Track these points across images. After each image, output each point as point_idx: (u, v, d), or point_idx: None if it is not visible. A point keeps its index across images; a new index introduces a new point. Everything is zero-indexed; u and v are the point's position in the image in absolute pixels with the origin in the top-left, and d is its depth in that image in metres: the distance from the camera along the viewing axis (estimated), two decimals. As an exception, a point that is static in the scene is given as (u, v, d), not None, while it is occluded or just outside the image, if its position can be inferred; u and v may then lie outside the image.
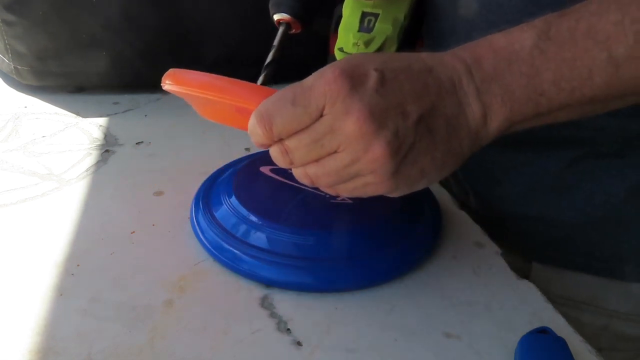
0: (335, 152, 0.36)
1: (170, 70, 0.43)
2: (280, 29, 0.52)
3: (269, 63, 0.51)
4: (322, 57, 0.82)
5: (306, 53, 0.80)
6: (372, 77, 0.35)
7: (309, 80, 0.36)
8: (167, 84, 0.43)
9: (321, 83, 0.35)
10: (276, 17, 0.52)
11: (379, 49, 0.51)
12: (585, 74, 0.34)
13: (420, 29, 0.61)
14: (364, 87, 0.34)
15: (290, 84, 0.37)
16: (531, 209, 0.54)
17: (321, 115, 0.35)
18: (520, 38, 0.36)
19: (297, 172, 0.38)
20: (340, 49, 0.53)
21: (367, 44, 0.51)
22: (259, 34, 0.68)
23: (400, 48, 0.53)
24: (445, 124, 0.36)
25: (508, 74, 0.35)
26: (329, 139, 0.35)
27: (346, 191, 0.38)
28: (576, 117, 0.38)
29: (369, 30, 0.52)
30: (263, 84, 0.50)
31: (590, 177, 0.50)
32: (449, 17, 0.54)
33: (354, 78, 0.35)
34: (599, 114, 0.38)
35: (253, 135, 0.37)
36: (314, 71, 0.76)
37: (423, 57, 0.37)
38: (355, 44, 0.52)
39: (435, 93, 0.36)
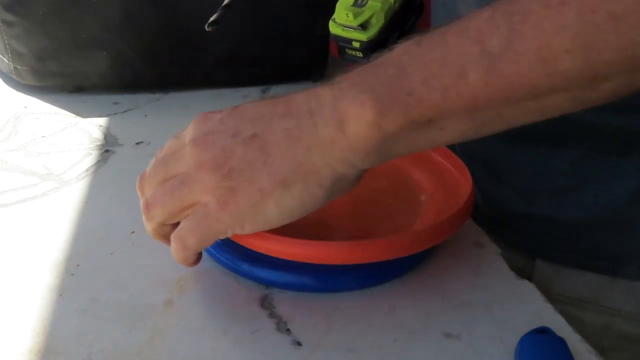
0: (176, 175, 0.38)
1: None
2: None
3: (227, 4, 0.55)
4: (322, 58, 0.82)
5: (306, 53, 0.80)
6: (221, 113, 0.38)
7: None
8: None
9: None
10: None
11: (367, 21, 0.55)
12: (456, 70, 0.31)
13: (414, 23, 0.63)
14: (212, 119, 0.38)
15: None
16: (535, 208, 0.54)
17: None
18: (390, 51, 0.34)
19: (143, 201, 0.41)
20: (333, 19, 0.57)
21: (356, 15, 0.55)
22: (258, 34, 0.68)
23: (389, 28, 0.56)
24: (282, 135, 0.35)
25: (371, 76, 0.33)
26: (173, 159, 0.38)
27: (188, 230, 0.38)
28: (473, 133, 0.34)
29: (362, 6, 0.56)
30: (214, 22, 0.54)
31: (595, 176, 0.50)
32: (450, 16, 0.54)
33: (207, 116, 0.38)
34: (501, 129, 0.34)
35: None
36: (314, 71, 0.77)
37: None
38: (346, 15, 0.56)
39: (280, 114, 0.36)
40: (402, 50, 0.33)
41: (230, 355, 0.39)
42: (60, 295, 0.43)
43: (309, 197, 0.36)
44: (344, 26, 0.55)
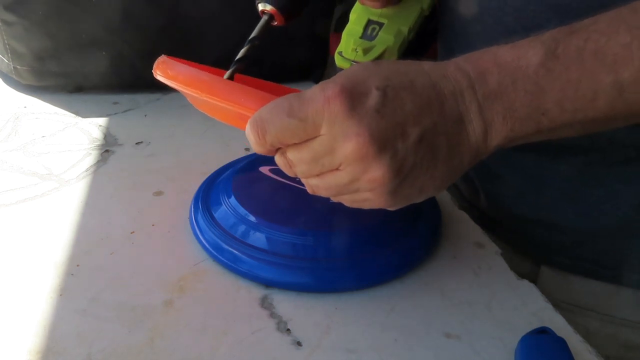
0: (337, 169, 0.36)
1: (161, 59, 0.42)
2: (263, 20, 0.50)
3: (241, 58, 0.49)
4: (322, 58, 0.82)
5: (307, 54, 0.81)
6: (373, 96, 0.34)
7: (308, 92, 0.35)
8: (158, 75, 0.42)
9: (320, 98, 0.34)
10: (260, 7, 0.50)
11: (377, 58, 0.51)
12: (589, 96, 0.34)
13: (429, 45, 0.60)
14: (364, 108, 0.34)
15: (290, 84, 0.36)
16: (540, 213, 0.54)
17: (319, 133, 0.35)
18: (527, 54, 0.35)
19: (303, 180, 0.39)
20: (340, 53, 0.53)
21: (366, 51, 0.51)
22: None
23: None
24: (446, 141, 0.36)
25: (512, 91, 0.35)
26: (329, 159, 0.35)
27: (346, 202, 0.39)
28: (574, 134, 0.37)
29: (371, 38, 0.52)
30: (230, 78, 0.47)
31: (599, 184, 0.50)
32: (451, 15, 0.54)
33: (354, 97, 0.34)
34: (598, 131, 0.38)
35: (249, 141, 0.37)
36: (314, 71, 0.76)
37: (426, 70, 0.36)
38: (354, 50, 0.51)
39: (437, 111, 0.35)
40: (540, 60, 0.34)
41: (230, 355, 0.39)
42: (60, 295, 0.43)
43: (445, 188, 0.39)
44: (353, 61, 0.51)
